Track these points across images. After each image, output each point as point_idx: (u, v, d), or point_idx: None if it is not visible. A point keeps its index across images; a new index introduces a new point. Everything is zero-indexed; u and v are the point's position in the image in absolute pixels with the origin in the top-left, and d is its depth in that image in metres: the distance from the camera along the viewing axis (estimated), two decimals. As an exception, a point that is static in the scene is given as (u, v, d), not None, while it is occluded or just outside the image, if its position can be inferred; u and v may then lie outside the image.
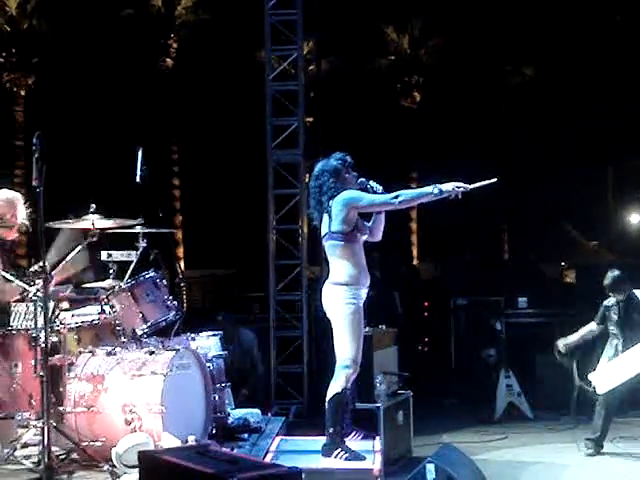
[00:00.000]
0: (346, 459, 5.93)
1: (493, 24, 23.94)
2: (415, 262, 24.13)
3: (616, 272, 8.52)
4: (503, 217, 26.90)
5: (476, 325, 11.78)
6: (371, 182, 6.31)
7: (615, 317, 8.38)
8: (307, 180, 10.99)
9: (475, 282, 13.48)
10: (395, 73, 26.17)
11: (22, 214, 6.53)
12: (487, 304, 11.55)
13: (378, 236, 6.41)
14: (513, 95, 25.65)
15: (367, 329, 8.14)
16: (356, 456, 6.00)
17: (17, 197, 6.63)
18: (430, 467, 5.60)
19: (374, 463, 5.94)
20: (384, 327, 8.44)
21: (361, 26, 23.90)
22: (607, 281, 8.51)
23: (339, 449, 5.98)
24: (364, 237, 6.27)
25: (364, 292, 6.14)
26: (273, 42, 10.35)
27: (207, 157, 23.91)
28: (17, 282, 6.13)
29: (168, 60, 24.35)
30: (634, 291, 8.46)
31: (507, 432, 9.15)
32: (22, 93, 22.46)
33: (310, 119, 11.63)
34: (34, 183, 5.74)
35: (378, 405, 7.44)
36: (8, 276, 6.16)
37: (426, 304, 13.49)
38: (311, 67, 13.44)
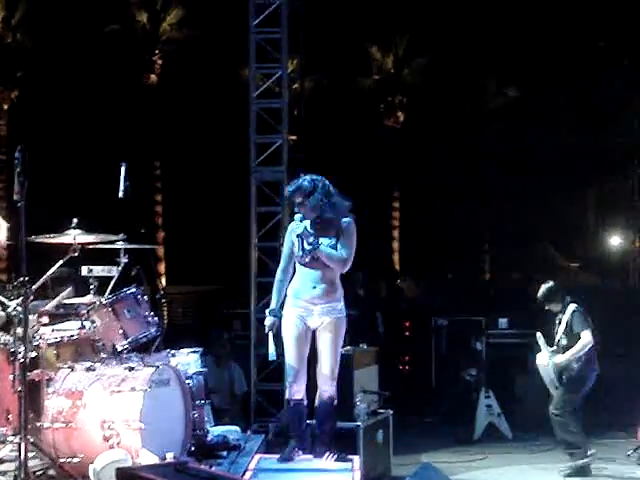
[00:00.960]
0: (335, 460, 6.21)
1: (477, 45, 24.08)
2: (397, 281, 24.15)
3: (550, 284, 8.58)
4: (485, 237, 26.99)
5: (457, 345, 11.81)
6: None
7: (555, 328, 8.48)
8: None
9: (456, 302, 13.51)
10: (379, 92, 26.26)
11: (2, 235, 6.49)
12: (468, 324, 11.59)
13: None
14: (496, 115, 25.79)
15: (348, 348, 8.17)
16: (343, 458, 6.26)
17: None
18: (409, 486, 5.59)
19: (353, 482, 5.92)
20: (365, 346, 8.43)
21: (345, 45, 23.98)
22: (540, 293, 8.56)
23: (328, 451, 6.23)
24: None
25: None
26: (257, 60, 10.37)
27: (190, 173, 23.88)
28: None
29: (152, 76, 24.36)
30: (571, 304, 8.44)
31: (487, 452, 9.16)
32: (5, 107, 22.40)
33: (294, 137, 11.64)
34: (15, 197, 5.72)
35: (358, 424, 7.43)
36: None
37: (407, 323, 13.50)
38: (295, 85, 13.46)
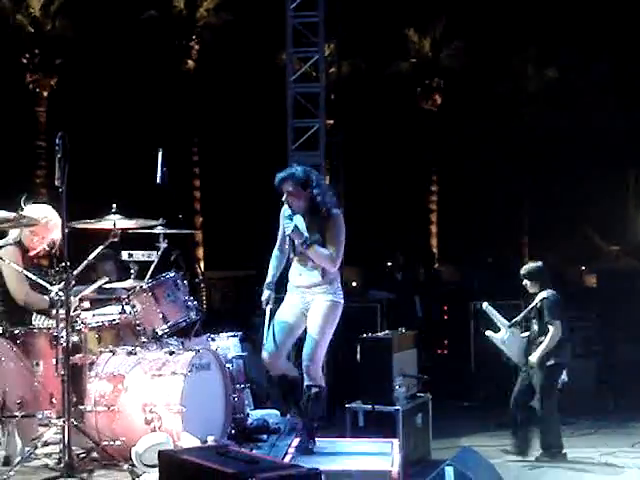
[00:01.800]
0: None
1: (514, 26, 23.87)
2: (436, 265, 24.11)
3: (539, 263, 8.52)
4: (524, 221, 26.82)
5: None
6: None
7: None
8: (327, 182, 11.04)
9: (495, 285, 13.42)
10: (416, 76, 26.15)
11: (57, 234, 6.53)
12: (507, 307, 11.51)
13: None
14: (534, 97, 25.58)
15: (387, 331, 8.17)
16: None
17: (55, 220, 6.58)
18: (449, 470, 5.59)
19: (393, 465, 5.93)
20: (404, 330, 8.43)
21: (382, 29, 23.89)
22: (526, 268, 8.50)
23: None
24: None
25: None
26: (294, 44, 10.38)
27: (227, 159, 23.97)
28: (39, 281, 6.17)
29: (190, 62, 24.45)
30: (547, 290, 8.36)
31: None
32: (45, 94, 22.63)
33: (331, 121, 11.63)
34: (57, 183, 5.77)
35: (397, 407, 7.43)
36: (31, 276, 6.20)
37: (446, 307, 13.46)
38: (332, 69, 13.44)
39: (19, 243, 6.49)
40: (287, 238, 6.36)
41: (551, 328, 8.11)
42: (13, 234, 6.49)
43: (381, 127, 24.66)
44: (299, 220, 6.29)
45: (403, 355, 8.10)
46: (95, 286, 6.53)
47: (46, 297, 6.21)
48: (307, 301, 6.35)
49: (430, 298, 13.39)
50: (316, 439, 6.35)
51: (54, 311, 5.98)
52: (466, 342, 12.32)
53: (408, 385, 7.91)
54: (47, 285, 6.09)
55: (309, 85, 10.45)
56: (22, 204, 6.48)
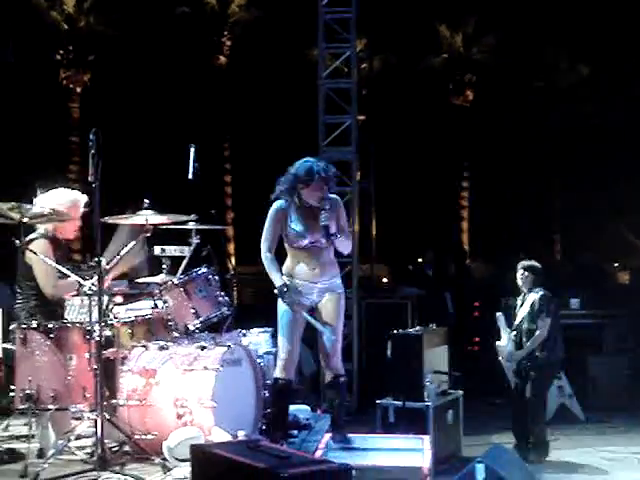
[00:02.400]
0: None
1: (547, 21, 23.70)
2: (467, 261, 24.03)
3: (538, 265, 8.45)
4: (556, 217, 26.65)
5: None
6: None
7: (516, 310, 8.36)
8: (359, 178, 11.03)
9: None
10: (448, 71, 26.05)
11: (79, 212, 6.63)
12: (539, 304, 11.46)
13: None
14: (567, 93, 25.38)
15: (418, 328, 8.15)
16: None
17: (80, 198, 6.72)
18: (480, 467, 5.56)
19: (423, 461, 5.92)
20: (434, 326, 8.41)
21: (414, 24, 23.81)
22: (527, 263, 8.42)
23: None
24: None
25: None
26: (326, 40, 10.38)
27: (259, 154, 24.00)
28: (72, 276, 6.22)
29: (222, 58, 24.53)
30: (538, 290, 8.29)
31: (558, 434, 9.05)
32: (78, 90, 22.79)
33: (362, 117, 11.62)
34: (90, 178, 5.83)
35: (428, 404, 7.42)
36: (64, 270, 6.25)
37: (477, 304, 13.41)
38: (364, 65, 13.45)
39: (49, 235, 6.55)
40: (291, 234, 6.27)
41: (540, 324, 8.09)
42: (43, 226, 6.54)
43: (413, 123, 24.59)
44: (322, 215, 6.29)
45: (434, 351, 8.08)
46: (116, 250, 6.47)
47: (72, 279, 6.23)
48: (322, 294, 6.32)
49: (461, 294, 13.35)
50: (347, 434, 6.35)
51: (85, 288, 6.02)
52: (497, 338, 12.26)
53: (439, 381, 7.89)
54: (80, 280, 6.15)
55: (341, 81, 10.44)
56: (38, 192, 6.56)
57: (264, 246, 6.31)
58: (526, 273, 8.39)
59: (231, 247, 23.23)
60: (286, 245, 6.36)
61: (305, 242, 6.24)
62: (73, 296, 6.44)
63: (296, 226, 6.24)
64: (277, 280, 6.22)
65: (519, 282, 8.43)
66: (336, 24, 10.30)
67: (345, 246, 6.38)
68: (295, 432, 6.84)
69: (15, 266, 6.62)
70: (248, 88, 23.64)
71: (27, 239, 6.31)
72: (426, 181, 25.23)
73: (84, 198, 6.74)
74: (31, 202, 6.48)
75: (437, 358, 8.11)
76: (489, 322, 12.61)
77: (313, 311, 6.33)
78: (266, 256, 6.30)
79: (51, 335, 6.02)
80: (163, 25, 22.44)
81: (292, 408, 7.26)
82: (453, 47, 26.19)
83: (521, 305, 8.40)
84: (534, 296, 8.22)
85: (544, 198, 26.08)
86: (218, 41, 24.47)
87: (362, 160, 11.78)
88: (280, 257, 6.33)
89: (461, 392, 8.11)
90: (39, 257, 6.27)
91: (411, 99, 24.31)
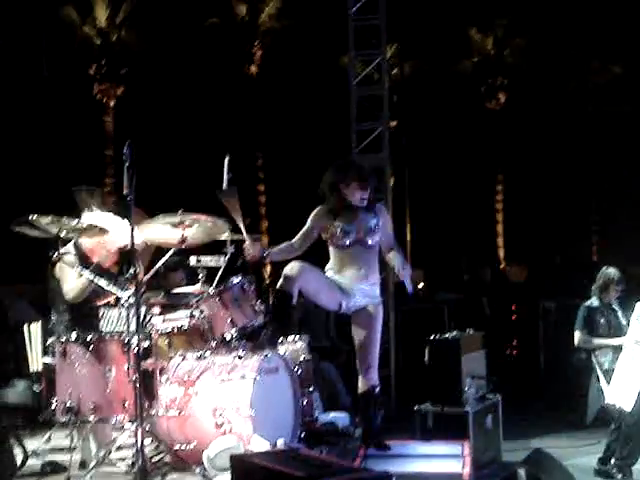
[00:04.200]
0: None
1: (578, 21, 23.55)
2: (502, 265, 23.90)
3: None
4: (592, 219, 26.45)
5: (565, 328, 11.60)
6: None
7: (602, 321, 8.19)
8: (392, 184, 11.03)
9: (564, 285, 13.27)
10: (479, 75, 25.97)
11: (122, 238, 6.59)
12: (576, 307, 11.37)
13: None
14: (600, 94, 25.20)
15: (455, 333, 8.12)
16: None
17: (126, 241, 6.69)
18: (521, 472, 5.53)
19: (464, 467, 5.90)
20: (471, 331, 8.37)
21: (444, 28, 23.78)
22: (611, 276, 8.26)
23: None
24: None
25: None
26: (357, 47, 10.38)
27: (292, 163, 24.06)
28: (109, 288, 6.27)
29: (253, 67, 24.63)
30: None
31: (599, 437, 8.97)
32: (111, 103, 23.00)
33: (394, 123, 11.61)
34: (125, 192, 5.87)
35: (467, 409, 7.38)
36: (101, 282, 6.29)
37: (514, 307, 13.33)
38: (395, 71, 13.44)
39: (79, 250, 6.59)
40: (335, 232, 6.21)
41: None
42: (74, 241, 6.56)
43: (445, 127, 24.53)
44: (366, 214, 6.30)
45: (472, 356, 8.03)
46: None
47: (84, 278, 6.27)
48: (363, 299, 6.29)
49: (497, 298, 13.29)
50: (386, 442, 6.33)
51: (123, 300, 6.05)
52: (535, 342, 12.19)
53: (477, 386, 7.85)
54: (117, 292, 6.19)
55: (372, 87, 10.43)
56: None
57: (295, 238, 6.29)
58: (622, 286, 8.25)
59: (266, 256, 23.26)
60: (331, 248, 6.32)
61: (350, 240, 6.22)
62: (108, 306, 6.49)
63: (341, 223, 6.22)
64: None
65: (615, 294, 8.27)
66: (366, 31, 10.30)
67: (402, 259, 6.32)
68: (334, 440, 6.83)
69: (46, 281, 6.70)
70: (280, 97, 23.72)
71: (61, 252, 6.35)
72: (460, 185, 25.15)
73: (126, 240, 6.69)
74: (76, 213, 6.54)
75: (475, 363, 8.07)
76: (527, 325, 12.59)
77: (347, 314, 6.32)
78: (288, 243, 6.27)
79: (90, 347, 6.06)
80: (194, 37, 22.59)
81: (331, 415, 7.27)
82: (484, 50, 26.12)
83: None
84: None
85: (580, 200, 25.88)
86: (249, 51, 24.58)
87: (395, 166, 11.77)
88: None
89: (500, 396, 8.06)
90: (65, 266, 6.32)
91: (443, 104, 24.25)
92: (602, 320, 8.28)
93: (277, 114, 23.74)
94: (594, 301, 8.34)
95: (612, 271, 8.39)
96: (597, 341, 8.20)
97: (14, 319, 7.34)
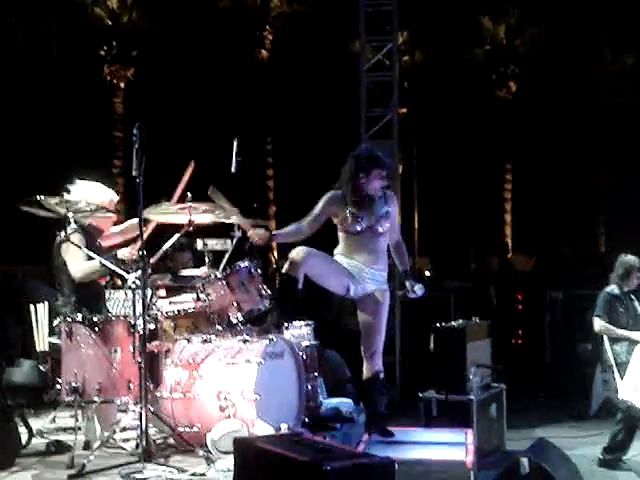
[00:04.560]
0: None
1: (591, 11, 23.44)
2: (509, 255, 23.88)
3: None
4: (600, 209, 26.39)
5: (571, 318, 11.59)
6: None
7: (622, 310, 8.16)
8: (401, 171, 11.02)
9: (571, 275, 13.26)
10: (490, 63, 25.88)
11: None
12: (583, 297, 11.35)
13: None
14: (612, 84, 25.09)
15: (461, 321, 8.12)
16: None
17: (114, 196, 6.87)
18: (524, 461, 5.53)
19: (467, 455, 5.90)
20: (477, 319, 8.37)
21: (456, 16, 23.68)
22: (632, 263, 8.22)
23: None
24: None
25: None
26: (368, 33, 10.36)
27: (301, 148, 24.04)
28: (97, 258, 6.28)
29: (263, 51, 24.59)
30: None
31: (603, 428, 8.97)
32: (121, 85, 22.99)
33: (404, 110, 11.59)
34: (134, 173, 5.87)
35: (471, 397, 7.39)
36: (94, 256, 6.30)
37: (520, 297, 13.32)
38: (405, 57, 13.39)
39: (84, 228, 6.62)
40: (347, 218, 6.17)
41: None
42: (78, 220, 6.57)
43: (455, 115, 24.47)
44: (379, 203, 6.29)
45: (477, 345, 8.04)
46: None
47: (95, 262, 6.31)
48: (372, 283, 6.27)
49: (504, 288, 13.28)
50: (390, 428, 6.34)
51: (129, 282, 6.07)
52: (541, 332, 12.19)
53: (482, 375, 7.86)
54: (124, 273, 6.20)
55: (382, 74, 10.41)
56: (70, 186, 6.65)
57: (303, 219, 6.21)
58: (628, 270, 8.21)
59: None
60: (341, 234, 6.29)
61: (362, 226, 6.21)
62: (115, 288, 6.51)
63: (353, 209, 6.20)
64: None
65: (637, 281, 8.23)
66: (377, 17, 10.28)
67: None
68: (337, 425, 6.84)
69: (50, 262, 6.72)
70: (290, 82, 23.68)
71: (68, 233, 6.36)
72: (469, 174, 25.12)
73: (116, 196, 6.88)
74: (67, 191, 6.56)
75: (480, 351, 8.08)
76: (533, 315, 12.58)
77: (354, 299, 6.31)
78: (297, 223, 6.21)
79: (96, 328, 6.08)
80: (205, 20, 22.56)
81: (335, 401, 7.28)
82: (496, 39, 26.01)
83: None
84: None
85: (588, 190, 25.82)
86: (260, 35, 24.53)
87: (404, 153, 11.75)
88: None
89: (504, 385, 8.07)
90: (71, 246, 6.34)
91: (453, 91, 24.18)
92: (621, 309, 8.23)
93: (287, 99, 23.71)
94: (614, 289, 8.29)
95: (632, 258, 8.32)
96: (620, 331, 8.13)
97: (33, 297, 7.35)
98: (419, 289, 6.34)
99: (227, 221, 6.76)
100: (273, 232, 6.21)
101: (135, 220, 6.56)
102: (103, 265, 6.31)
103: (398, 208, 6.51)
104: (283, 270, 5.96)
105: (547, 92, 24.49)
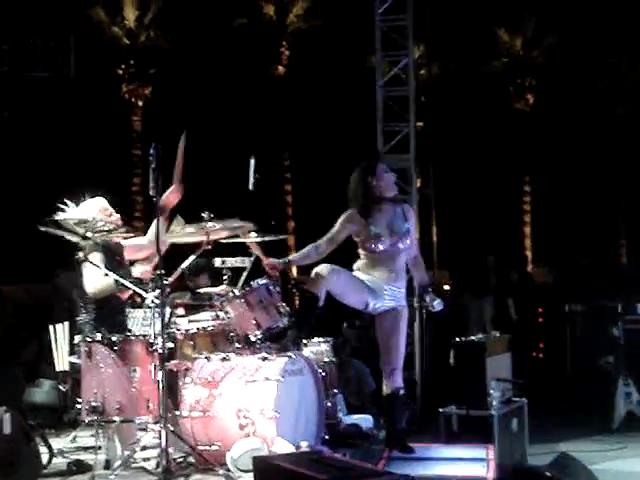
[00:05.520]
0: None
1: (608, 22, 23.37)
2: (529, 267, 23.77)
3: None
4: (621, 220, 26.24)
5: (593, 331, 11.51)
6: None
7: None
8: (419, 185, 10.99)
9: (591, 287, 13.19)
10: (508, 75, 25.83)
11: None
12: (604, 310, 11.28)
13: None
14: (630, 94, 24.99)
15: (480, 335, 8.09)
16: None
17: (103, 202, 6.85)
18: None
19: (488, 471, 5.87)
20: (497, 333, 8.34)
21: (472, 28, 23.68)
22: None
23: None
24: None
25: None
26: (384, 47, 10.36)
27: (318, 163, 24.06)
28: (135, 288, 6.29)
29: (280, 67, 24.65)
30: None
31: (626, 442, 8.90)
32: (140, 103, 23.09)
33: (421, 124, 11.57)
34: (151, 192, 5.90)
35: (492, 413, 7.35)
36: (113, 275, 6.31)
37: (540, 310, 13.26)
38: (422, 71, 13.37)
39: (101, 246, 6.62)
40: (369, 237, 6.23)
41: None
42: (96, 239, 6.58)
43: (473, 128, 24.43)
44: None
45: (497, 359, 7.99)
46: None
47: (110, 278, 6.31)
48: (391, 301, 6.28)
49: (524, 301, 13.23)
50: (410, 444, 6.31)
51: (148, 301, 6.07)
52: (562, 345, 12.11)
53: (503, 389, 7.81)
54: (143, 292, 6.21)
55: (399, 88, 10.41)
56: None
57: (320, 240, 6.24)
58: None
59: (292, 256, 23.27)
60: (361, 251, 6.33)
61: (384, 246, 6.21)
62: (135, 307, 6.51)
63: (375, 228, 6.21)
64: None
65: None
66: (393, 32, 10.29)
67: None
68: (357, 442, 6.82)
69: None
70: (307, 97, 23.72)
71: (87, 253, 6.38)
72: (488, 186, 25.04)
73: (104, 200, 6.84)
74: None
75: (500, 366, 8.03)
76: (554, 328, 12.51)
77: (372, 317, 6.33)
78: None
79: (115, 348, 6.09)
80: (222, 37, 22.66)
81: (355, 417, 7.26)
82: (512, 51, 25.98)
83: None
84: None
85: (608, 201, 25.69)
86: (276, 51, 24.60)
87: (422, 167, 11.73)
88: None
89: (525, 400, 8.02)
90: (89, 264, 6.35)
91: (471, 104, 24.15)
92: None
93: (304, 114, 23.74)
94: None
95: None
96: None
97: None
98: (438, 304, 6.35)
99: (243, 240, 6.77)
100: (288, 258, 6.25)
101: (151, 236, 6.56)
102: (116, 281, 6.32)
103: (415, 221, 6.53)
104: (305, 287, 5.98)
105: (565, 103, 24.42)
